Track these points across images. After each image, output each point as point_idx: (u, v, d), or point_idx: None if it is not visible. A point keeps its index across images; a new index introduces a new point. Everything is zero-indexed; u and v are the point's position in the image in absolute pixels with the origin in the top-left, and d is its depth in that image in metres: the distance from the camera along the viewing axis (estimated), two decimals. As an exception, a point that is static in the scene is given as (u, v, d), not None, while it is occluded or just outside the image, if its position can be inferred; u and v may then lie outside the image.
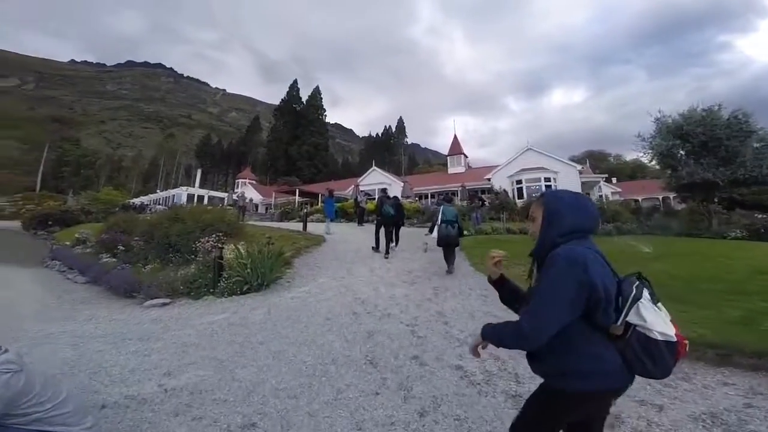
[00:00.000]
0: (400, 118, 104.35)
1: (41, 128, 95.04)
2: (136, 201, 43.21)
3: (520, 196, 26.08)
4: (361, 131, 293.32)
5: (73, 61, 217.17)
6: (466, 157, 40.82)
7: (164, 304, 7.05)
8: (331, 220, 14.68)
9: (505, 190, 25.89)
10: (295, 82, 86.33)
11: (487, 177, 29.15)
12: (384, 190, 13.44)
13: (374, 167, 37.36)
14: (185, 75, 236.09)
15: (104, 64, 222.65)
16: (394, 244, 10.46)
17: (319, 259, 9.47)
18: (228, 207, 19.10)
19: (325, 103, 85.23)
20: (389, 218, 10.00)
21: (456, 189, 29.48)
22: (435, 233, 8.10)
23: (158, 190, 54.41)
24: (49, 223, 29.12)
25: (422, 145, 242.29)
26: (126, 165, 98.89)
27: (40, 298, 8.16)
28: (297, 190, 36.61)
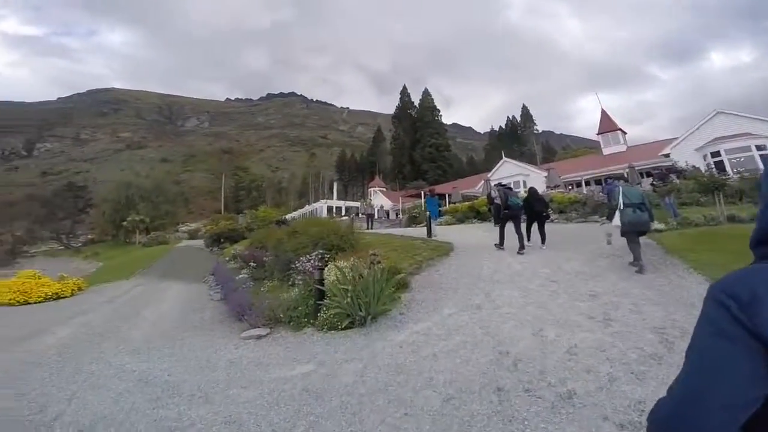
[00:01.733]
0: (524, 106, 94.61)
1: (218, 159, 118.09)
2: (288, 216, 48.49)
3: (720, 170, 18.94)
4: (481, 127, 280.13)
5: (228, 99, 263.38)
6: (624, 133, 33.08)
7: (260, 337, 5.89)
8: (434, 220, 13.15)
9: (693, 166, 19.20)
10: (405, 88, 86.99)
11: (663, 153, 22.47)
12: (514, 185, 10.39)
13: (505, 158, 33.39)
14: (314, 99, 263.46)
15: (251, 99, 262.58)
16: (527, 240, 9.24)
17: (445, 276, 7.21)
18: (342, 217, 18.53)
19: (438, 105, 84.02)
20: (517, 209, 8.94)
21: (619, 171, 23.50)
22: (617, 220, 6.51)
23: (307, 205, 60.52)
24: (221, 240, 34.43)
25: (556, 132, 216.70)
26: (284, 185, 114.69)
27: (165, 319, 8.10)
28: (422, 194, 35.23)
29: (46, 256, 48.01)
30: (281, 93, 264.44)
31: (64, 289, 13.25)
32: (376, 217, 37.43)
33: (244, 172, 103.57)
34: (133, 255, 31.54)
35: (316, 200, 50.85)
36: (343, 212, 36.07)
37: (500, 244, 9.24)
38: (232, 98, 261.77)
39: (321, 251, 7.94)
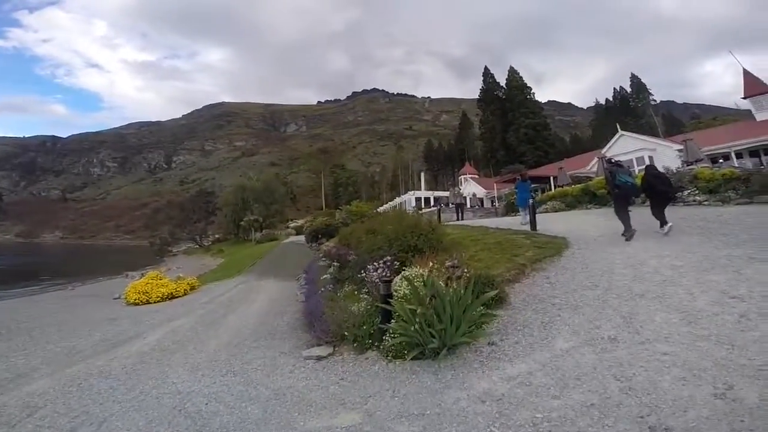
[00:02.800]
0: (633, 75, 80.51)
1: (317, 159, 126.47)
2: (381, 209, 48.89)
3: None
4: (581, 102, 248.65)
5: (319, 102, 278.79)
6: (783, 93, 25.38)
7: (320, 358, 5.02)
8: (523, 209, 11.49)
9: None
10: (486, 69, 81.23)
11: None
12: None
13: (621, 132, 28.32)
14: (395, 93, 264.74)
15: (339, 99, 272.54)
16: (659, 226, 7.44)
17: (558, 286, 5.36)
18: (431, 209, 17.00)
19: (529, 83, 76.90)
20: (629, 189, 7.65)
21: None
22: None
23: (397, 197, 60.63)
24: (319, 236, 36.02)
25: (679, 101, 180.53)
26: (376, 179, 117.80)
27: (245, 325, 7.84)
28: (528, 179, 31.65)
29: (185, 254, 56.53)
30: (364, 90, 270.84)
31: (178, 289, 14.54)
32: (467, 206, 35.17)
33: (341, 170, 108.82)
34: (247, 251, 34.75)
35: (407, 192, 50.23)
36: (432, 203, 34.63)
37: (627, 234, 7.40)
38: (322, 100, 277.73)
39: (395, 253, 6.76)
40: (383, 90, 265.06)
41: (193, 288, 15.52)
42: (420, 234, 7.45)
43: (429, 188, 47.53)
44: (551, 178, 29.10)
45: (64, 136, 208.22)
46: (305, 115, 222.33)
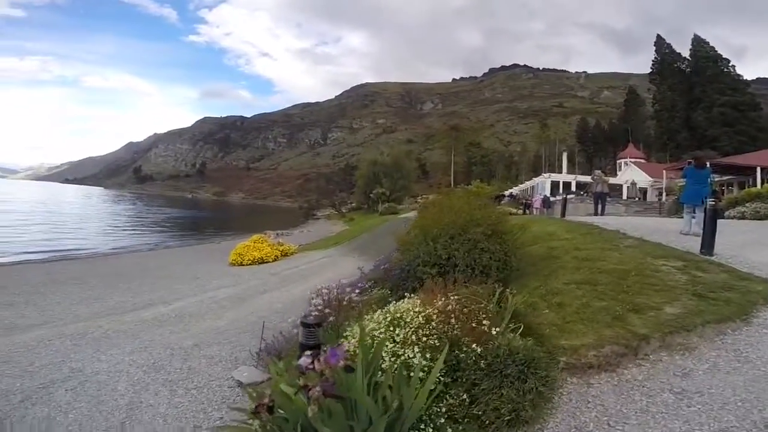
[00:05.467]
0: None
1: (450, 137, 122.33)
2: (506, 192, 43.97)
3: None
4: None
5: (453, 79, 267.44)
6: None
7: (241, 385, 3.23)
8: (698, 209, 7.10)
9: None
10: (660, 38, 65.85)
11: None
12: None
13: None
14: (540, 68, 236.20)
15: (475, 76, 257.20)
16: None
17: (705, 411, 2.19)
18: (567, 196, 13.04)
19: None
20: None
21: None
22: None
23: (529, 180, 53.88)
24: (424, 215, 34.28)
25: None
26: (515, 159, 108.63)
27: (280, 302, 6.75)
28: (707, 165, 23.04)
29: (326, 218, 62.36)
30: (503, 66, 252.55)
31: (268, 255, 14.88)
32: (623, 196, 27.83)
33: (475, 147, 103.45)
34: (368, 222, 35.46)
35: (542, 175, 43.42)
36: (574, 188, 28.61)
37: None
38: (457, 78, 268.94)
39: (410, 269, 4.38)
40: (525, 65, 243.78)
41: (285, 255, 15.75)
42: (468, 241, 4.74)
43: (576, 170, 40.03)
44: (758, 169, 20.28)
45: (249, 116, 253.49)
46: (440, 93, 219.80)
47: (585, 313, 3.12)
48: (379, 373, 2.07)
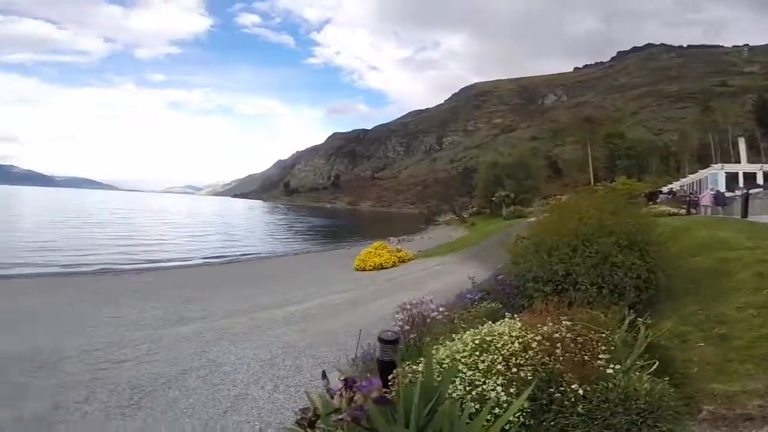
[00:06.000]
0: None
1: (583, 130, 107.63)
2: (665, 189, 36.52)
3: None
4: None
5: (576, 68, 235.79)
6: None
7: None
8: None
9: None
10: None
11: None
12: None
13: None
14: (684, 45, 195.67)
15: (601, 62, 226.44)
16: None
17: None
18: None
19: None
20: None
21: None
22: None
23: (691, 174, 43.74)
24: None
25: None
26: (673, 150, 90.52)
27: (364, 319, 6.83)
28: None
29: (446, 224, 62.26)
30: (634, 48, 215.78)
31: (387, 261, 15.40)
32: None
33: (618, 139, 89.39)
34: (491, 227, 34.06)
35: (713, 165, 34.47)
36: (760, 181, 22.00)
37: None
38: (580, 66, 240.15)
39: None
40: (663, 44, 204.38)
41: (403, 261, 16.09)
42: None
43: (757, 160, 30.94)
44: None
45: (369, 128, 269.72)
46: (563, 84, 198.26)
47: (760, 349, 2.20)
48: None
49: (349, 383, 1.59)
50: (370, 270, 14.82)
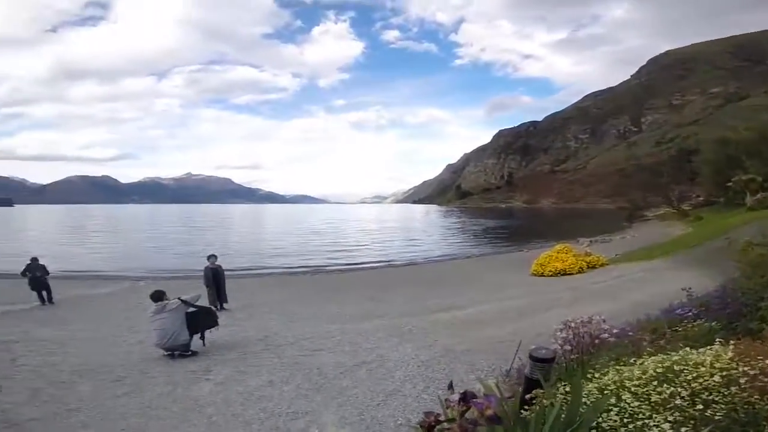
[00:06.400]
0: None
1: None
2: None
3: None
4: None
5: None
6: None
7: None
8: None
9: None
10: None
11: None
12: None
13: None
14: None
15: None
16: None
17: None
18: None
19: None
20: None
21: None
22: None
23: None
24: None
25: None
26: None
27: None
28: None
29: (659, 219, 50.92)
30: None
31: (572, 267, 13.59)
32: None
33: None
34: (722, 222, 26.18)
35: None
36: None
37: None
38: None
39: None
40: None
41: (592, 266, 13.97)
42: None
43: None
44: None
45: (540, 119, 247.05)
46: None
47: None
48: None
49: (467, 396, 1.61)
50: (549, 276, 13.47)
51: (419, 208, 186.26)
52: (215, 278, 9.67)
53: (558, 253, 15.03)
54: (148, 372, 4.86)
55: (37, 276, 10.15)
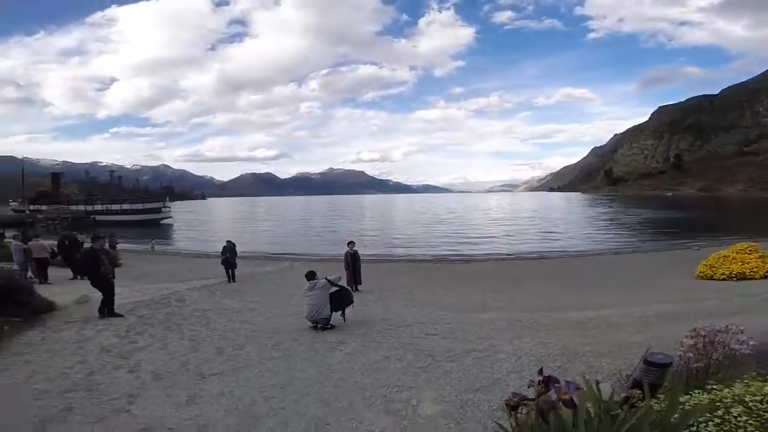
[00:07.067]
0: None
1: None
2: None
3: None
4: None
5: None
6: None
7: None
8: None
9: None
10: None
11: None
12: None
13: None
14: None
15: None
16: None
17: None
18: None
19: None
20: None
21: None
22: None
23: None
24: None
25: None
26: None
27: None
28: None
29: None
30: None
31: (754, 270, 10.71)
32: None
33: None
34: None
35: None
36: None
37: None
38: None
39: None
40: None
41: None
42: None
43: None
44: None
45: (715, 93, 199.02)
46: None
47: None
48: None
49: (549, 380, 1.71)
50: (721, 279, 10.97)
51: (558, 197, 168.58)
52: (353, 262, 10.92)
53: (737, 253, 12.04)
54: (297, 339, 5.90)
55: (227, 257, 12.66)
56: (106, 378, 4.30)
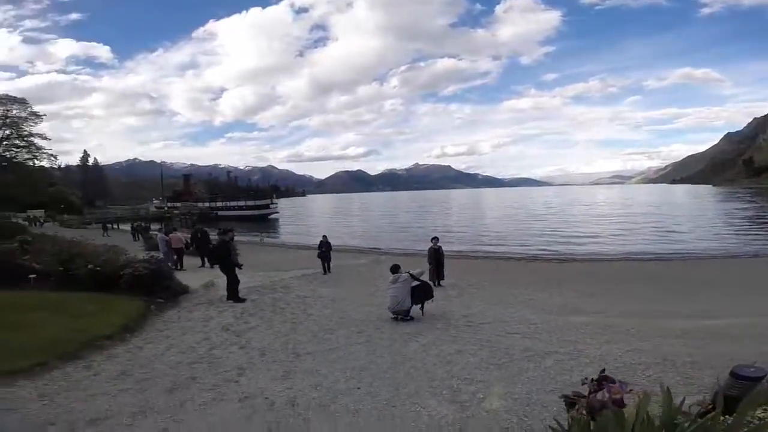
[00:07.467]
0: None
1: None
2: None
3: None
4: None
5: None
6: None
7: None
8: None
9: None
10: None
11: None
12: None
13: None
14: None
15: None
16: None
17: None
18: None
19: None
20: None
21: None
22: None
23: None
24: None
25: None
26: None
27: None
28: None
29: None
30: None
31: None
32: None
33: None
34: None
35: None
36: None
37: None
38: None
39: None
40: None
41: None
42: None
43: None
44: None
45: None
46: None
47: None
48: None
49: (607, 380, 1.80)
50: None
51: (682, 190, 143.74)
52: (436, 257, 11.15)
53: None
54: (379, 328, 6.36)
55: (323, 251, 13.85)
56: (223, 353, 5.26)
